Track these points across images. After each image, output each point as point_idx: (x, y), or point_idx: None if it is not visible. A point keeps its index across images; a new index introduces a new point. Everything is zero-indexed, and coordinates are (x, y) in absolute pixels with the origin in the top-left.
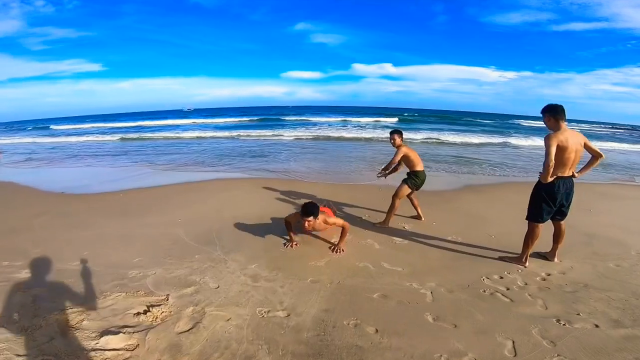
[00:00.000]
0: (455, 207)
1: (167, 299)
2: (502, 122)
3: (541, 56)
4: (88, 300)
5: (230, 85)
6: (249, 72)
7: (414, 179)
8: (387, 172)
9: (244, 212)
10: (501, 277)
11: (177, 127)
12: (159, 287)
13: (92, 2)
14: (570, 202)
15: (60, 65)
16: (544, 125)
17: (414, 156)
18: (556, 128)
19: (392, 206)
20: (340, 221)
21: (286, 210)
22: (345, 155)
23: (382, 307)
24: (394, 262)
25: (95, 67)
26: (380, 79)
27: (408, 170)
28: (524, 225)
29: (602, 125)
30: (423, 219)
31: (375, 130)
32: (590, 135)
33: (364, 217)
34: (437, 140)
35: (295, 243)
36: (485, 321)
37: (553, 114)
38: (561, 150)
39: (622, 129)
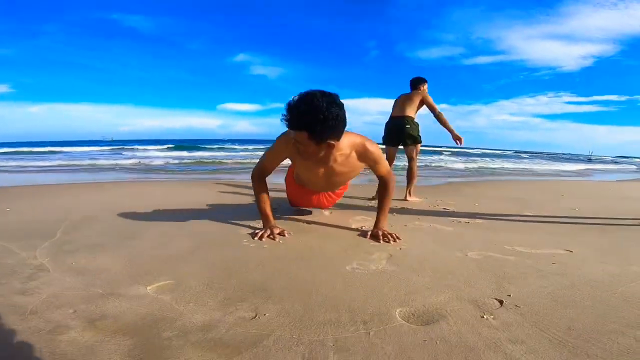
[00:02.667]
0: (477, 193)
1: None
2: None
3: (455, 89)
4: None
5: (161, 115)
6: (183, 102)
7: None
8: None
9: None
10: None
11: None
12: None
13: (12, 20)
14: None
15: None
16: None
17: None
18: None
19: (414, 171)
20: (381, 159)
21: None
22: None
23: None
24: (537, 245)
25: (1, 88)
26: None
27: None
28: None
29: (508, 151)
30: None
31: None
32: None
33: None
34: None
35: (279, 230)
36: None
37: None
38: None
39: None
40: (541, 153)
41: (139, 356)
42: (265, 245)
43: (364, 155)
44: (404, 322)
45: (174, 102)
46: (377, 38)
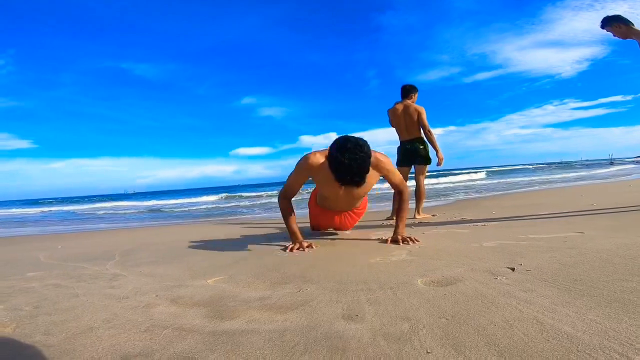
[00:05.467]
0: (494, 204)
1: None
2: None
3: (459, 109)
4: None
5: (175, 165)
6: (196, 151)
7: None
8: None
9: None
10: None
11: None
12: None
13: (29, 69)
14: None
15: None
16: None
17: None
18: None
19: (422, 189)
20: (393, 168)
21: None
22: None
23: None
24: (550, 232)
25: (24, 143)
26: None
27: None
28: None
29: (525, 165)
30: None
31: None
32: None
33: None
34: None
35: (308, 243)
36: None
37: None
38: None
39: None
40: (559, 163)
41: (215, 316)
42: (296, 255)
43: (377, 165)
44: (425, 286)
45: (187, 151)
46: (376, 66)
